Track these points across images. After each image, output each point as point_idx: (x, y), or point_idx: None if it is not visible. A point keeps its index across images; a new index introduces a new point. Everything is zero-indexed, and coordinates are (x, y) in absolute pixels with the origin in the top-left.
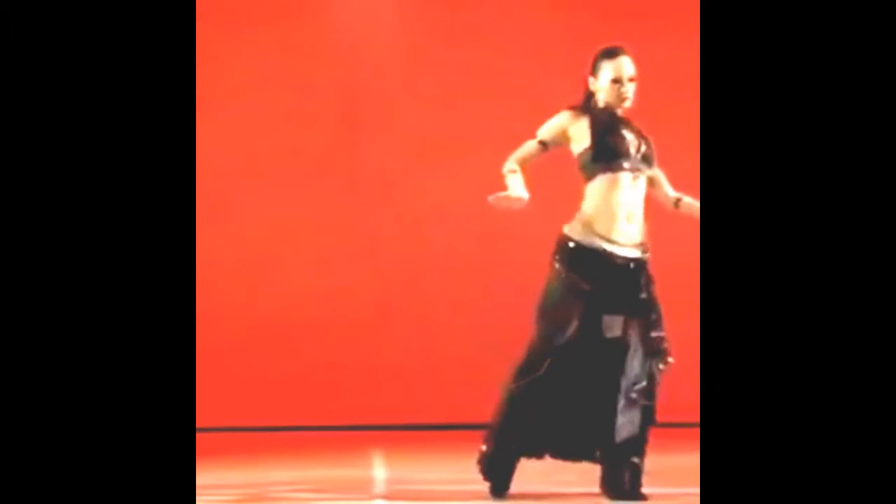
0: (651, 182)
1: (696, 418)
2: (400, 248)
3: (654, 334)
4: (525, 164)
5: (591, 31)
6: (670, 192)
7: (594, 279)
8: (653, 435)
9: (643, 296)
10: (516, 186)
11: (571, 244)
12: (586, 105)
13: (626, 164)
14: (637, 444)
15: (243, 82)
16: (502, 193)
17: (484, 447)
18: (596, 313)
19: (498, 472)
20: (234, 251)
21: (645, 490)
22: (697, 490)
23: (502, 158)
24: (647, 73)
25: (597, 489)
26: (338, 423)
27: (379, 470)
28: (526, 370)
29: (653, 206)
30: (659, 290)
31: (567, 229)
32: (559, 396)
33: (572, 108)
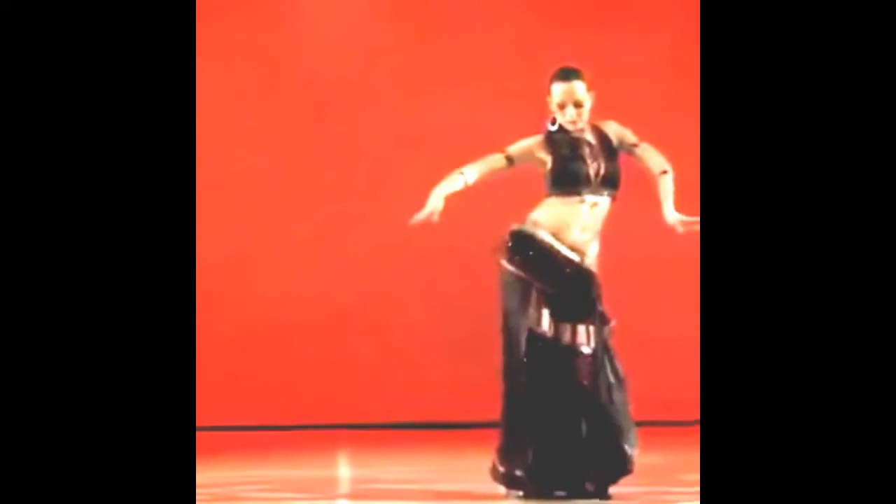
0: (638, 158)
1: (696, 416)
2: (369, 251)
3: (604, 336)
4: (485, 176)
5: (586, 30)
6: (656, 166)
7: (552, 277)
8: (653, 434)
9: (598, 306)
10: (439, 192)
11: (515, 236)
12: (550, 129)
13: (584, 192)
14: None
15: (235, 86)
16: (419, 214)
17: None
18: (547, 308)
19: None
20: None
21: (645, 489)
22: (697, 490)
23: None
24: (646, 70)
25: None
26: (303, 422)
27: (343, 469)
28: (510, 380)
29: (652, 207)
30: (659, 290)
31: (514, 226)
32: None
33: (545, 133)
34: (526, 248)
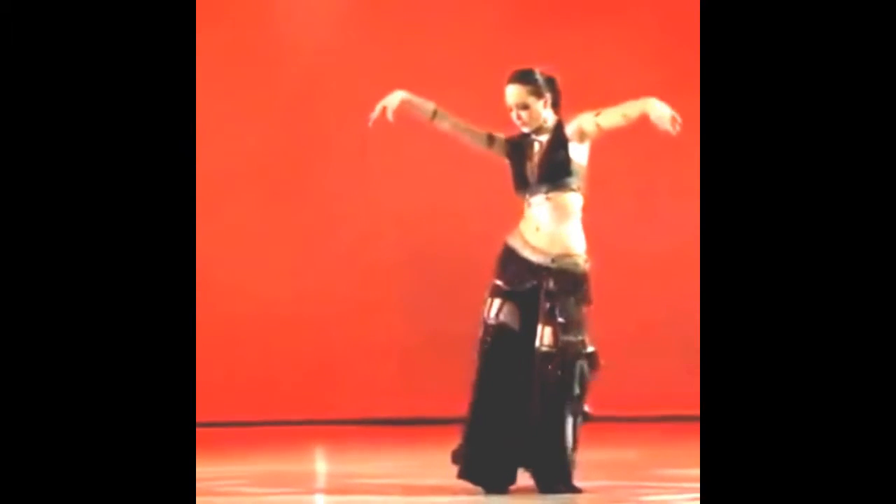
0: (610, 126)
1: (696, 411)
2: (351, 250)
3: (567, 338)
4: (461, 131)
5: (573, 28)
6: (621, 109)
7: (505, 274)
8: (653, 428)
9: (548, 304)
10: (401, 94)
11: (503, 248)
12: (515, 134)
13: (525, 193)
14: (565, 441)
15: (231, 88)
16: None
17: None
18: (505, 304)
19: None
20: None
21: (645, 483)
22: (697, 484)
23: (465, 160)
24: (646, 69)
25: (520, 482)
26: (280, 418)
27: (321, 464)
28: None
29: (651, 204)
30: (659, 285)
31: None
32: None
33: (508, 137)
34: (503, 254)
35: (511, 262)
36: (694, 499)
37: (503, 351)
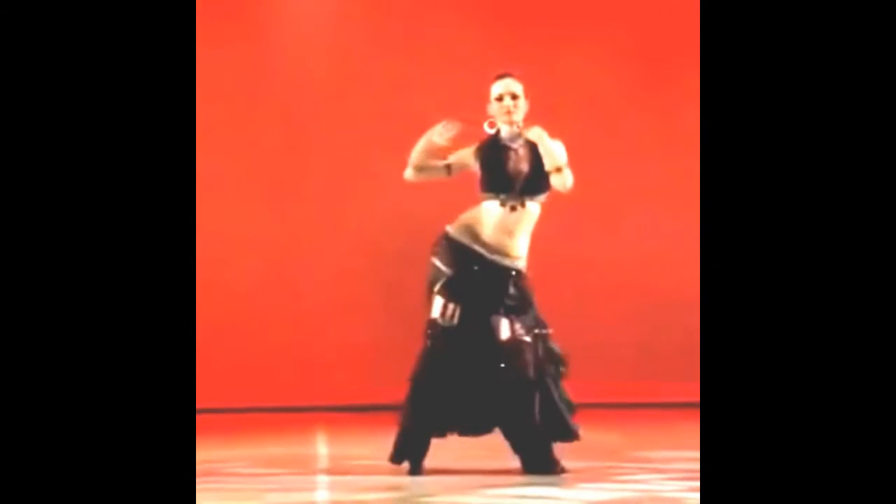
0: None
1: (697, 398)
2: (346, 244)
3: (541, 330)
4: (429, 173)
5: (553, 35)
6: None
7: (455, 268)
8: (654, 415)
9: (508, 301)
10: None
11: (447, 239)
12: (486, 139)
13: (503, 198)
14: (541, 425)
15: (231, 91)
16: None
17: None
18: (453, 301)
19: (412, 452)
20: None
21: (649, 471)
22: (678, 465)
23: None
24: (647, 69)
25: (507, 464)
26: (283, 404)
27: (322, 447)
28: (421, 355)
29: (655, 208)
30: (659, 280)
31: (448, 228)
32: (452, 377)
33: (479, 144)
34: (445, 244)
35: (465, 258)
36: (670, 479)
37: (461, 348)
